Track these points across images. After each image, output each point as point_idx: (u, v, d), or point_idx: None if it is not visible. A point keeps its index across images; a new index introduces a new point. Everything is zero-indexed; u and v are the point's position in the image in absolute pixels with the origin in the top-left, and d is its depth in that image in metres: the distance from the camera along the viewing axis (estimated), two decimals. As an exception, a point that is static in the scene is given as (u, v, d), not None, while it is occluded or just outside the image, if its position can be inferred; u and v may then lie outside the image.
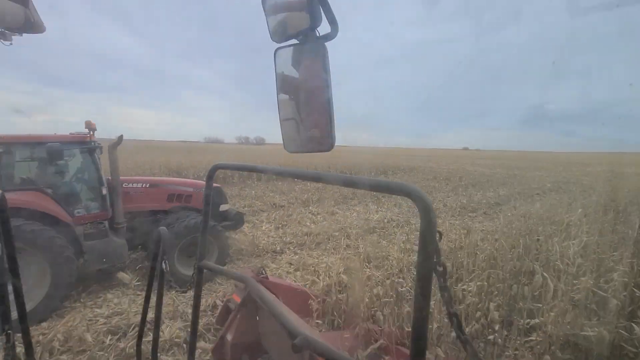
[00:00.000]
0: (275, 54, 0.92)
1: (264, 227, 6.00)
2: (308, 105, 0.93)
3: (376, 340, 1.91)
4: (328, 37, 0.80)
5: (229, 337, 2.06)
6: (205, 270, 1.20)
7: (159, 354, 1.54)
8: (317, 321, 2.25)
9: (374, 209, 8.05)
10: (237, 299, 2.19)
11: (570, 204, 8.46)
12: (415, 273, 0.59)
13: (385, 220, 6.80)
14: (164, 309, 2.92)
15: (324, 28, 0.79)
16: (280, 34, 0.89)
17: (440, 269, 0.62)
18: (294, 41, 0.88)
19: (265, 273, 2.32)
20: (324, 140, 0.88)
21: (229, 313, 2.26)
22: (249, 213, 7.05)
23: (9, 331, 0.90)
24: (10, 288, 0.93)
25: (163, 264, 1.28)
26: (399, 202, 9.21)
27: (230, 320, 2.12)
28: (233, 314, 2.12)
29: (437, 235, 0.53)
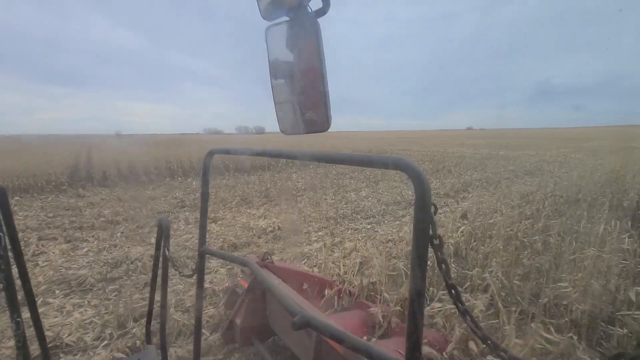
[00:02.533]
0: (266, 33, 0.89)
1: (81, 252, 4.39)
2: (302, 86, 0.89)
3: (383, 319, 1.90)
4: (320, 12, 0.76)
5: (238, 321, 2.09)
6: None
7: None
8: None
9: (278, 210, 6.39)
10: (244, 284, 2.16)
11: (527, 195, 6.70)
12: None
13: (270, 229, 5.15)
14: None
15: (316, 4, 0.76)
16: (270, 11, 0.84)
17: (437, 241, 0.60)
18: (285, 18, 0.84)
19: (271, 258, 2.26)
20: (320, 120, 0.85)
21: (236, 298, 2.24)
22: (99, 227, 5.44)
23: (19, 319, 0.92)
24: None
25: (166, 251, 1.33)
26: (325, 198, 7.53)
27: (238, 305, 2.14)
28: (241, 299, 2.13)
29: (432, 208, 0.55)
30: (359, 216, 5.97)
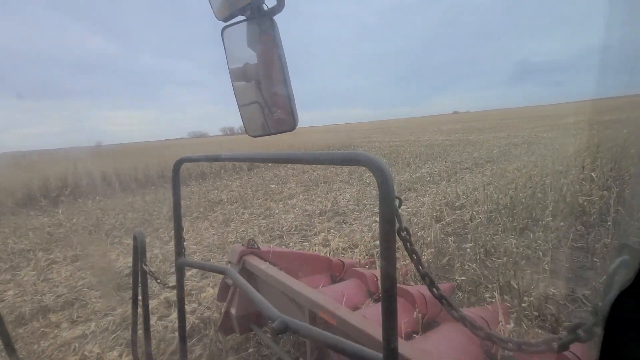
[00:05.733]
0: (222, 34, 0.87)
1: None
2: (265, 86, 0.85)
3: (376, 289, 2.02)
4: (275, 10, 0.75)
5: (233, 311, 2.08)
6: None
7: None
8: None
9: (169, 238, 5.16)
10: None
11: (474, 191, 5.61)
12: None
13: (113, 277, 3.93)
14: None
15: (271, 1, 0.77)
16: (224, 11, 0.82)
17: (404, 233, 0.61)
18: (240, 18, 0.81)
19: (257, 244, 2.22)
20: (287, 120, 0.83)
21: (228, 289, 2.23)
22: None
23: None
24: None
25: (143, 265, 1.31)
26: (243, 212, 6.32)
27: (230, 295, 2.15)
28: (232, 289, 2.14)
29: (397, 201, 0.55)
30: (262, 238, 4.78)
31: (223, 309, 2.23)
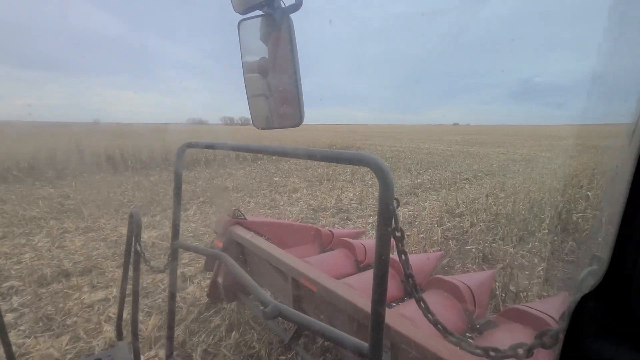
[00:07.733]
0: (239, 26, 0.89)
1: None
2: (276, 81, 0.90)
3: (364, 258, 2.06)
4: (293, 8, 0.77)
5: (220, 280, 2.13)
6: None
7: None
8: None
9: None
10: (219, 244, 2.13)
11: (474, 201, 5.85)
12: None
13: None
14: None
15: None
16: (243, 3, 0.84)
17: (399, 233, 0.64)
18: (258, 12, 0.84)
19: (243, 214, 2.18)
20: (293, 115, 0.86)
21: (215, 259, 2.17)
22: None
23: None
24: None
25: (137, 246, 1.29)
26: (249, 201, 6.49)
27: (217, 265, 2.18)
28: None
29: (395, 202, 0.58)
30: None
31: (211, 278, 2.25)
